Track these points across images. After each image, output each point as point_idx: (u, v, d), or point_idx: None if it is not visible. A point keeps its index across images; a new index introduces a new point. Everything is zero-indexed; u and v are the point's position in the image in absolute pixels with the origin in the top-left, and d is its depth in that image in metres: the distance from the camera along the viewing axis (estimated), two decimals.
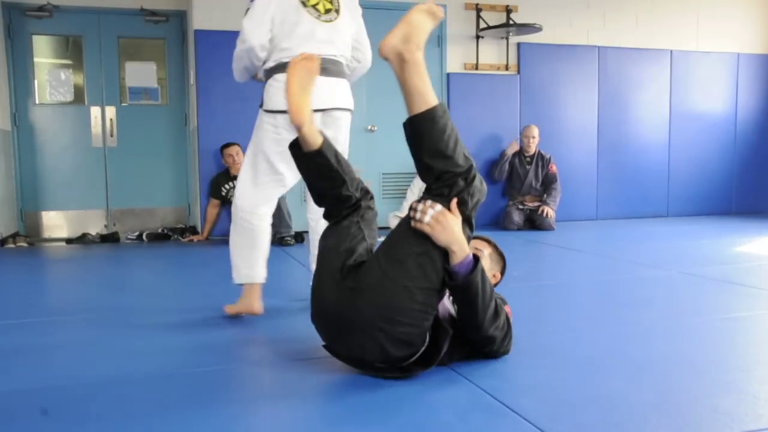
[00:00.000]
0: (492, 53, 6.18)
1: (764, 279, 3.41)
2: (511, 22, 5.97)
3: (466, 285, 1.75)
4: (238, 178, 2.71)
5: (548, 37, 6.06)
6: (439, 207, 1.78)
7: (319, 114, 2.58)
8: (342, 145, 2.74)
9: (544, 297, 2.98)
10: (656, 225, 6.04)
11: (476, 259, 1.80)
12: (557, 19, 6.17)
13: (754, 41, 7.01)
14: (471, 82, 6.09)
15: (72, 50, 5.89)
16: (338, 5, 2.74)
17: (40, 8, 5.51)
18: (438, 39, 6.04)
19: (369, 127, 5.90)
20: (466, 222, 1.84)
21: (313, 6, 2.69)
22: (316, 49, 2.53)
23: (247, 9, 2.69)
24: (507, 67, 6.21)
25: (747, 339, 2.37)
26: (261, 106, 2.69)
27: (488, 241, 2.23)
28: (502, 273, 2.22)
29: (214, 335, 2.43)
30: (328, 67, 2.61)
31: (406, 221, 1.88)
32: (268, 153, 2.64)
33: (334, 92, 2.67)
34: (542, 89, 6.27)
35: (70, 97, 5.87)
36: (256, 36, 2.62)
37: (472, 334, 1.88)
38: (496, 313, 1.85)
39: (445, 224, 1.77)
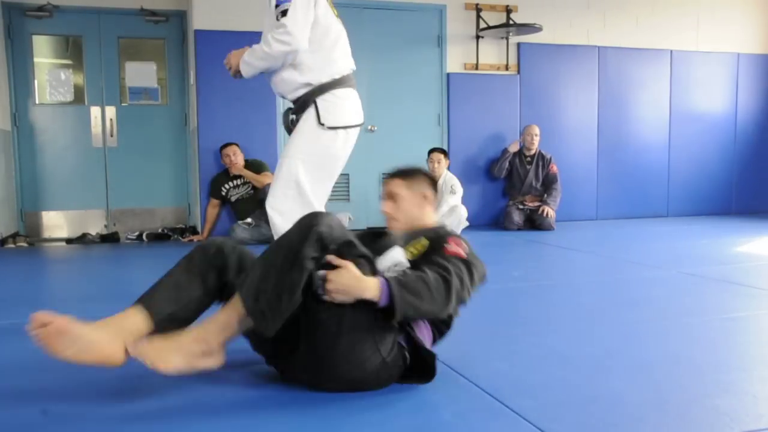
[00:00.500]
0: (492, 53, 6.19)
1: (764, 279, 3.42)
2: (511, 22, 5.97)
3: (397, 308, 1.60)
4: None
5: (548, 37, 6.06)
6: (322, 273, 1.59)
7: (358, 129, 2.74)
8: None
9: (543, 297, 2.98)
10: (656, 225, 6.04)
11: (387, 281, 1.62)
12: (557, 20, 6.17)
13: (754, 41, 7.01)
14: (471, 82, 6.10)
15: (72, 50, 5.89)
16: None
17: (40, 8, 5.51)
18: (438, 39, 6.04)
19: (369, 128, 5.90)
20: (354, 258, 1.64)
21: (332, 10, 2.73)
22: (349, 62, 2.70)
23: (279, 5, 2.53)
24: (507, 67, 6.21)
25: (747, 339, 2.37)
26: (318, 121, 2.63)
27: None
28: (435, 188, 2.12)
29: None
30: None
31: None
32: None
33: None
34: (542, 89, 6.27)
35: (70, 97, 5.88)
36: (304, 39, 2.53)
37: (442, 323, 1.88)
38: (447, 293, 1.70)
39: (340, 285, 1.58)
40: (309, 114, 2.63)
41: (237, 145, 5.23)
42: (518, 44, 6.23)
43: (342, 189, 5.94)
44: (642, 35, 6.53)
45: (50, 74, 5.88)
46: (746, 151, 7.07)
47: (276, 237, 2.51)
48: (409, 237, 1.98)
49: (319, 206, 2.64)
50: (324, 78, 2.62)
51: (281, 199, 2.61)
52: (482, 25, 6.02)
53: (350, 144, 2.74)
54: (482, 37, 6.09)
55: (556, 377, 1.86)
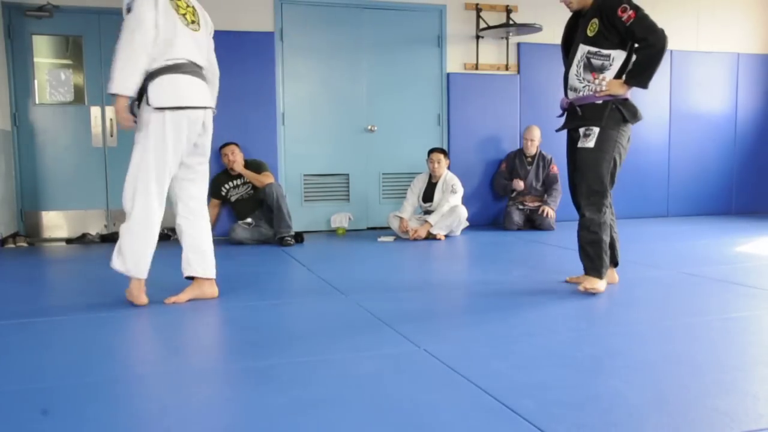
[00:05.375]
0: (492, 53, 6.19)
1: (764, 279, 3.42)
2: (511, 22, 5.98)
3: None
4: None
5: (548, 36, 6.06)
6: None
7: (201, 111, 2.85)
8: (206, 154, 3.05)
9: (543, 297, 2.99)
10: (656, 225, 6.05)
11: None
12: (557, 19, 6.12)
13: (753, 41, 7.02)
14: (471, 82, 6.10)
15: (72, 50, 5.89)
16: (198, 19, 2.94)
17: (40, 8, 5.50)
18: (438, 39, 6.04)
19: (369, 127, 5.91)
20: None
21: (183, 15, 2.87)
22: (186, 53, 2.80)
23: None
24: (507, 67, 6.21)
25: (747, 339, 2.37)
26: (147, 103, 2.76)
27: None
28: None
29: (214, 334, 2.44)
30: (198, 72, 2.87)
31: None
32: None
33: (207, 93, 2.93)
34: (542, 89, 6.28)
35: (70, 97, 5.88)
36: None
37: None
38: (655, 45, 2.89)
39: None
40: (143, 99, 2.79)
41: (236, 144, 5.23)
42: (518, 44, 6.24)
43: (342, 189, 5.95)
44: None
45: (50, 74, 5.88)
46: (746, 151, 7.07)
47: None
48: (586, 20, 3.00)
49: (156, 190, 2.83)
50: (158, 65, 2.76)
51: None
52: (482, 25, 6.03)
53: (179, 124, 2.80)
54: (482, 37, 6.09)
55: (555, 377, 1.86)
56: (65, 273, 4.20)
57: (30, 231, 5.69)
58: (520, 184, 5.80)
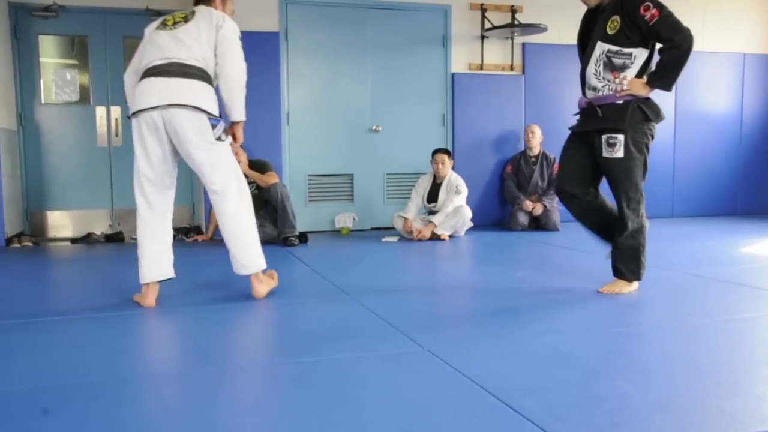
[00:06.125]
0: (497, 53, 6.19)
1: None
2: (516, 22, 5.97)
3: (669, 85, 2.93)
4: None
5: (553, 37, 6.06)
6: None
7: (154, 112, 2.72)
8: (188, 148, 2.79)
9: (548, 297, 2.99)
10: (661, 225, 6.03)
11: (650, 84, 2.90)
12: (562, 20, 6.16)
13: (760, 41, 7.00)
14: (476, 82, 6.10)
15: (77, 50, 5.91)
16: (189, 17, 2.87)
17: (46, 8, 5.53)
18: (443, 39, 6.04)
19: (373, 128, 5.91)
20: None
21: (164, 24, 2.91)
22: (160, 56, 2.76)
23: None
24: (512, 68, 6.21)
25: (752, 340, 2.37)
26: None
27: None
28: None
29: (217, 334, 2.45)
30: (171, 69, 2.73)
31: None
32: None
33: (175, 90, 2.71)
34: (547, 89, 6.27)
35: (75, 97, 5.90)
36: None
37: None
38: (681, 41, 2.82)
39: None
40: None
41: (241, 146, 5.23)
42: (523, 44, 6.24)
43: (346, 189, 5.96)
44: None
45: (56, 74, 5.91)
46: (752, 152, 7.05)
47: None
48: (605, 17, 2.92)
49: (140, 197, 2.94)
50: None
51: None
52: (487, 25, 6.03)
53: (142, 133, 2.80)
54: (487, 37, 6.09)
55: (559, 378, 1.86)
56: (70, 273, 4.21)
57: (35, 230, 5.71)
58: (528, 205, 5.77)
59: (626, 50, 2.88)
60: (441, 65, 6.07)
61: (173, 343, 2.40)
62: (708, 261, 4.02)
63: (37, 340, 2.36)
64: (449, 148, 5.95)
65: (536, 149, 5.94)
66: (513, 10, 6.10)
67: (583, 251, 4.22)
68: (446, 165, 5.40)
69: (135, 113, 2.79)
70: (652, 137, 2.98)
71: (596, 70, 2.97)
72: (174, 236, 5.49)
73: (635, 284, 3.07)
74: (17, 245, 5.17)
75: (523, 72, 6.25)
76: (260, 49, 5.52)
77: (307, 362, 2.06)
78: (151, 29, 2.93)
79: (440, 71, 6.07)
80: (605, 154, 2.95)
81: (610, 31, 2.90)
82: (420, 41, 6.01)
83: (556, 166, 5.90)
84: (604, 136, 2.94)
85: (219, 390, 1.84)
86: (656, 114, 2.95)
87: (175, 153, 2.89)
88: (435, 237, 5.20)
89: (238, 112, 2.91)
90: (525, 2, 6.16)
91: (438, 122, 6.10)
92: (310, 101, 5.78)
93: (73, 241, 5.50)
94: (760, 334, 2.45)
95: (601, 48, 2.94)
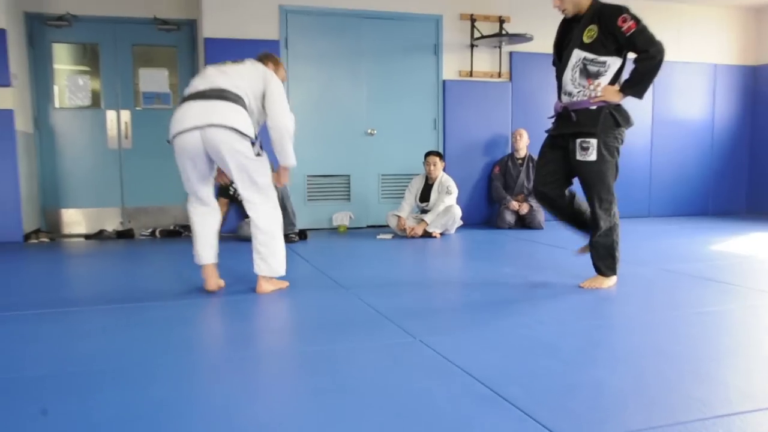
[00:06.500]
0: (485, 61, 6.21)
1: (737, 276, 3.45)
2: (503, 32, 5.99)
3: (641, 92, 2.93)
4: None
5: (539, 46, 6.07)
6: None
7: (197, 131, 2.73)
8: (227, 164, 2.80)
9: (532, 291, 3.01)
10: (638, 224, 6.07)
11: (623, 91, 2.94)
12: (547, 30, 6.12)
13: (730, 53, 7.04)
14: (466, 88, 6.12)
15: (89, 57, 5.90)
16: (240, 62, 2.96)
17: (60, 18, 5.52)
18: (434, 47, 6.06)
19: (369, 131, 5.92)
20: None
21: (216, 64, 2.98)
22: (204, 84, 2.81)
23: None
24: (500, 75, 6.23)
25: (720, 331, 2.40)
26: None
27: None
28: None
29: (220, 326, 2.46)
30: (210, 94, 2.76)
31: None
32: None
33: (212, 111, 2.73)
34: (532, 96, 6.29)
35: (87, 102, 5.89)
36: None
37: None
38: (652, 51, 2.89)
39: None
40: None
41: None
42: (510, 53, 6.26)
43: (343, 189, 5.97)
44: None
45: (69, 80, 5.89)
46: (722, 156, 7.10)
47: None
48: (582, 26, 2.92)
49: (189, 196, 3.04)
50: None
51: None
52: (476, 34, 6.04)
53: (180, 149, 2.84)
54: (476, 46, 6.11)
55: (543, 366, 1.89)
56: (84, 267, 4.22)
57: (51, 227, 5.71)
58: (515, 205, 5.80)
59: (602, 58, 2.90)
60: (433, 72, 6.08)
61: (174, 335, 2.41)
62: (680, 258, 4.06)
63: (55, 330, 2.37)
64: (440, 150, 5.97)
65: (523, 152, 5.96)
66: (501, 21, 6.12)
67: (564, 248, 4.25)
68: (438, 166, 5.42)
69: (175, 136, 2.80)
70: (622, 141, 3.03)
71: (572, 77, 2.98)
72: (180, 233, 5.53)
73: (614, 278, 3.10)
74: (34, 241, 5.17)
75: (511, 79, 6.27)
76: None
77: (307, 351, 2.09)
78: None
79: (432, 78, 6.09)
80: (579, 157, 2.98)
81: (587, 40, 2.91)
82: (413, 49, 6.02)
83: None
84: (578, 140, 2.97)
85: (220, 379, 1.86)
86: (626, 120, 2.98)
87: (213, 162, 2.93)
88: (427, 234, 5.22)
89: (288, 158, 2.97)
90: (512, 13, 6.18)
91: (430, 126, 6.11)
92: (309, 105, 5.79)
93: (87, 237, 5.49)
94: (727, 325, 2.48)
95: (577, 55, 2.94)
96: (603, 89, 2.91)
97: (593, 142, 2.93)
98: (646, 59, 2.82)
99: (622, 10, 2.85)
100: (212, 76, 2.85)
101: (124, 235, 5.51)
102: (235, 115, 2.74)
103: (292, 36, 5.67)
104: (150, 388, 1.73)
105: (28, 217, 5.30)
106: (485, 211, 6.25)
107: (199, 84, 2.85)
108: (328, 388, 1.72)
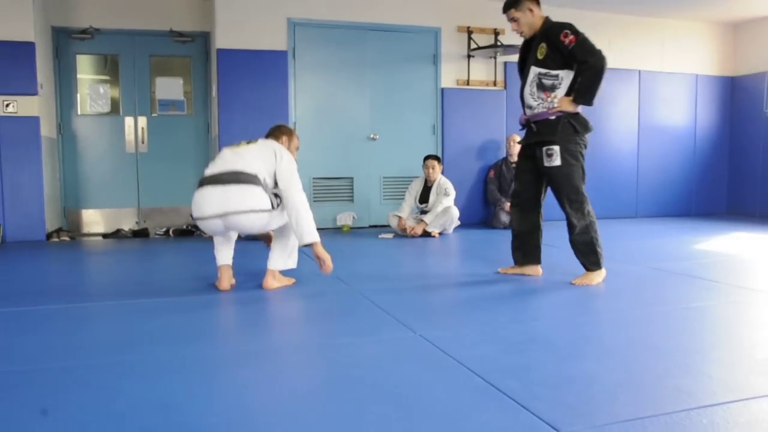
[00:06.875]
0: (481, 71, 6.19)
1: (720, 273, 3.43)
2: (498, 43, 5.98)
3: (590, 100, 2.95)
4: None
5: None
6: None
7: (218, 219, 2.77)
8: (255, 230, 2.91)
9: (526, 289, 3.00)
10: (626, 225, 6.06)
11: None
12: None
13: (710, 64, 7.03)
14: (463, 96, 6.11)
15: (110, 67, 5.90)
16: (253, 142, 2.97)
17: (84, 31, 5.53)
18: (433, 58, 6.05)
19: (371, 136, 5.91)
20: None
21: (232, 146, 3.01)
22: (221, 167, 2.81)
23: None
24: (495, 83, 6.22)
25: (704, 326, 2.39)
26: None
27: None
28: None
29: (227, 319, 2.45)
30: (226, 177, 2.77)
31: None
32: None
33: (229, 197, 2.75)
34: None
35: (107, 109, 5.89)
36: None
37: None
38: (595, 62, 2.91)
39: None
40: None
41: None
42: (505, 63, 6.24)
43: (346, 191, 5.96)
44: (614, 56, 6.50)
45: (90, 89, 5.89)
46: (704, 161, 7.09)
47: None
48: (536, 44, 2.99)
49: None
50: None
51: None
52: (473, 45, 6.03)
53: (203, 227, 2.90)
54: (473, 57, 6.10)
55: (537, 360, 1.87)
56: (103, 264, 4.21)
57: (71, 226, 5.70)
58: (509, 206, 5.78)
59: (554, 72, 2.97)
60: (431, 81, 6.07)
61: (187, 327, 2.39)
62: (666, 256, 4.04)
63: (75, 324, 2.36)
64: (439, 154, 5.96)
65: (517, 150, 5.94)
66: (496, 33, 6.11)
67: (557, 247, 4.24)
68: (436, 170, 5.41)
69: (197, 219, 2.86)
70: (585, 146, 3.05)
71: (531, 91, 3.07)
72: (192, 232, 5.52)
73: (602, 273, 3.08)
74: (56, 239, 5.16)
75: (505, 87, 6.26)
76: (270, 66, 5.52)
77: (312, 345, 2.07)
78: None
79: (431, 86, 6.07)
80: (546, 163, 3.03)
81: (540, 56, 3.00)
82: (413, 59, 6.01)
83: None
84: (543, 148, 3.02)
85: (230, 371, 1.84)
86: (584, 127, 3.02)
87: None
88: (426, 234, 5.21)
89: (307, 234, 2.83)
90: (506, 26, 6.08)
91: (429, 131, 6.10)
92: (315, 112, 5.78)
93: (104, 236, 5.48)
94: (711, 320, 2.46)
95: (534, 71, 3.03)
96: (559, 100, 2.98)
97: (556, 148, 2.98)
98: (587, 69, 2.88)
99: (565, 26, 2.92)
100: (228, 159, 2.86)
101: (140, 234, 5.50)
102: (251, 197, 2.75)
103: (299, 47, 5.66)
104: (166, 378, 1.72)
105: (51, 216, 5.30)
106: (481, 212, 6.23)
107: (216, 167, 2.86)
108: (332, 380, 1.71)
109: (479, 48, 5.96)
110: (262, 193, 2.77)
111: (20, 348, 2.03)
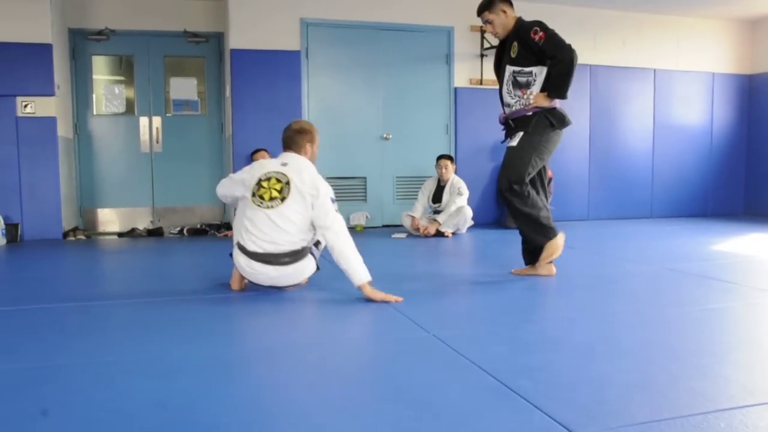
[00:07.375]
0: None
1: (737, 274, 3.38)
2: None
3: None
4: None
5: None
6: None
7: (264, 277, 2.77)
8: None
9: (540, 289, 2.98)
10: (641, 225, 6.00)
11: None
12: None
13: (727, 63, 6.94)
14: (476, 96, 6.08)
15: (125, 68, 5.96)
16: (287, 192, 2.72)
17: (100, 32, 5.59)
18: (446, 57, 6.03)
19: (384, 135, 5.91)
20: None
21: (260, 196, 2.73)
22: (262, 239, 2.70)
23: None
24: None
25: (722, 327, 2.36)
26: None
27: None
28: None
29: (239, 319, 2.45)
30: (279, 260, 2.74)
31: None
32: None
33: (286, 275, 2.78)
34: None
35: (122, 109, 5.94)
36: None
37: None
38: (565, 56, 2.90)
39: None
40: None
41: (266, 150, 5.26)
42: None
43: (359, 191, 5.96)
44: (628, 55, 6.47)
45: (106, 89, 5.95)
46: (721, 160, 7.00)
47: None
48: (509, 44, 3.04)
49: None
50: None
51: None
52: (486, 44, 6.01)
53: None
54: (486, 56, 6.07)
55: (550, 360, 1.86)
56: (118, 262, 4.24)
57: (87, 225, 5.77)
58: None
59: (527, 69, 3.01)
60: (445, 80, 6.05)
61: (200, 326, 2.40)
62: (683, 257, 3.99)
63: (93, 321, 2.38)
64: (452, 154, 5.94)
65: None
66: None
67: (570, 248, 4.20)
68: (449, 169, 5.39)
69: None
70: (558, 142, 3.09)
71: (508, 89, 3.11)
72: (206, 231, 5.56)
73: (559, 240, 3.07)
74: (72, 238, 5.22)
75: None
76: (283, 66, 5.54)
77: (325, 344, 2.07)
78: (247, 186, 2.78)
79: (444, 86, 6.06)
80: (507, 145, 3.11)
81: (513, 55, 3.05)
82: (426, 59, 6.00)
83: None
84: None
85: (242, 370, 1.85)
86: (561, 121, 3.04)
87: None
88: (439, 234, 5.19)
89: (357, 273, 2.66)
90: None
91: (442, 131, 6.08)
92: (328, 112, 5.79)
93: (120, 235, 5.54)
94: (729, 322, 2.43)
95: (509, 70, 3.08)
96: (535, 96, 3.01)
97: (520, 134, 3.05)
98: (557, 63, 2.91)
99: (534, 24, 2.95)
100: (264, 227, 2.70)
101: (154, 233, 5.54)
102: (304, 267, 2.83)
103: (312, 47, 5.67)
104: (177, 377, 1.73)
105: (67, 216, 5.36)
106: (495, 211, 6.21)
107: (259, 240, 2.71)
108: (347, 378, 1.70)
109: (492, 47, 5.93)
110: (311, 257, 2.86)
111: (36, 345, 2.05)
